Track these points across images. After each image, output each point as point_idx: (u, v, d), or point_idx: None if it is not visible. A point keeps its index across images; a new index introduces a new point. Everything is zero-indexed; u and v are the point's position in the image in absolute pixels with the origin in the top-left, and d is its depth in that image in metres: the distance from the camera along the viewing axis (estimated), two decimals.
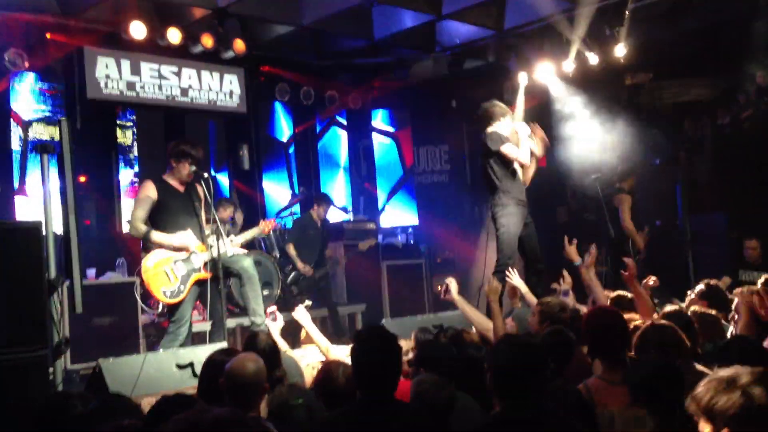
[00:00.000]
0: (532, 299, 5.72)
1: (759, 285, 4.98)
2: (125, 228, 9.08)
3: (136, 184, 9.69)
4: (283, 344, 5.29)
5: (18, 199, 8.63)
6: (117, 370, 4.93)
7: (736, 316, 4.75)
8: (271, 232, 8.56)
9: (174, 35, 8.55)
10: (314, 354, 5.28)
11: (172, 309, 5.98)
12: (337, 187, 12.21)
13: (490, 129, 6.65)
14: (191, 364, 5.10)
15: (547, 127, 7.79)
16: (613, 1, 8.69)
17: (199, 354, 4.93)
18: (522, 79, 9.70)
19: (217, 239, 5.95)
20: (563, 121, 9.91)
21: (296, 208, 10.47)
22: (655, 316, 4.76)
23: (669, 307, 4.58)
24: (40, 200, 5.15)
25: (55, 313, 4.92)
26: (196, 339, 6.53)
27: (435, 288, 7.90)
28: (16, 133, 8.87)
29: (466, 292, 7.01)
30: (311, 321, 5.48)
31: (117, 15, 8.35)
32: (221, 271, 5.95)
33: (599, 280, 5.93)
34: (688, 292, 5.72)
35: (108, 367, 4.91)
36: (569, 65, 9.47)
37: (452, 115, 11.74)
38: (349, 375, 3.51)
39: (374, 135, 12.51)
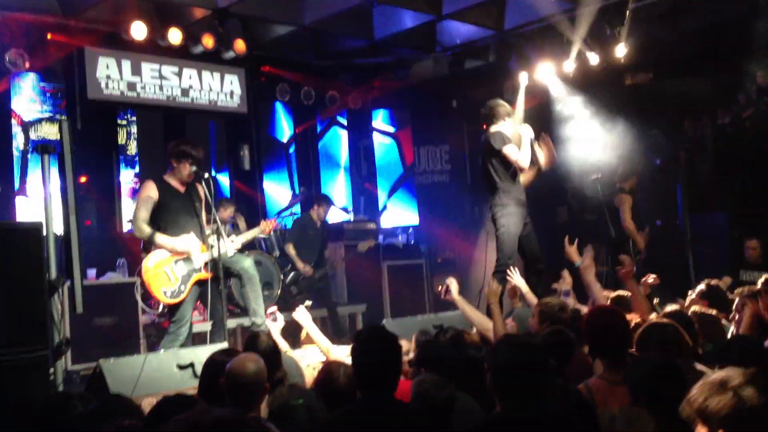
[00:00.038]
0: (533, 299, 5.73)
1: (759, 285, 4.98)
2: (126, 228, 9.10)
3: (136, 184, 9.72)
4: (283, 344, 5.30)
5: (19, 200, 8.64)
6: (117, 370, 4.93)
7: (737, 316, 4.75)
8: (272, 233, 8.56)
9: (175, 35, 8.56)
10: (315, 354, 5.28)
11: (173, 309, 5.98)
12: (338, 187, 12.21)
13: (494, 128, 6.64)
14: (192, 365, 5.10)
15: (547, 127, 7.79)
16: (614, 0, 8.69)
17: (200, 354, 4.93)
18: (522, 79, 9.69)
19: (218, 239, 5.95)
20: (563, 121, 9.90)
21: (297, 208, 10.48)
22: (655, 315, 4.76)
23: (670, 307, 4.58)
24: (41, 201, 5.15)
25: (56, 314, 4.92)
26: (196, 339, 6.53)
27: (435, 288, 7.89)
28: (19, 135, 8.88)
29: (467, 292, 7.00)
30: (312, 321, 5.48)
31: (117, 15, 8.35)
32: (222, 271, 5.95)
33: (599, 280, 5.92)
34: (689, 292, 5.73)
35: (108, 367, 4.91)
36: (570, 65, 9.46)
37: (453, 115, 11.74)
38: (349, 375, 3.51)
39: (375, 135, 12.51)
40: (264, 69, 10.45)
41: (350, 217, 11.17)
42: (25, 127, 8.99)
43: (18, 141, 8.89)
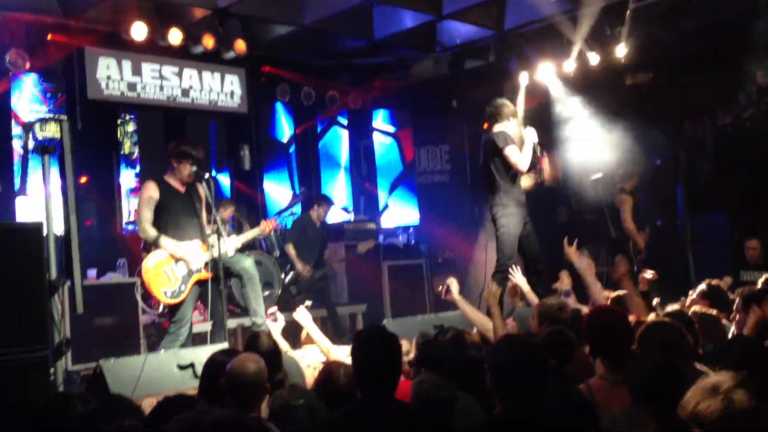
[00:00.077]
0: (534, 298, 5.73)
1: (759, 285, 4.98)
2: (126, 228, 9.11)
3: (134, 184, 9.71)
4: (284, 345, 5.29)
5: (19, 200, 8.64)
6: (118, 370, 4.94)
7: (737, 316, 4.74)
8: (272, 233, 8.56)
9: (175, 36, 8.56)
10: (315, 354, 5.28)
11: (173, 309, 5.98)
12: (338, 187, 12.22)
13: (497, 127, 6.62)
14: (192, 365, 5.10)
15: (547, 127, 7.78)
16: (615, 1, 8.69)
17: (200, 354, 4.93)
18: (522, 79, 9.69)
19: (218, 239, 5.95)
20: (564, 121, 9.90)
21: (297, 208, 10.48)
22: (653, 315, 4.75)
23: (670, 307, 4.58)
24: (41, 201, 5.15)
25: (56, 314, 4.92)
26: (196, 339, 6.54)
27: (436, 288, 7.88)
28: (20, 135, 8.88)
29: (467, 292, 7.00)
30: (312, 321, 5.48)
31: (117, 15, 8.35)
32: (222, 271, 5.95)
33: (599, 280, 5.92)
34: (689, 292, 5.72)
35: (109, 367, 4.91)
36: (570, 65, 9.46)
37: (453, 115, 11.74)
38: (350, 375, 3.51)
39: (375, 135, 12.52)
40: (264, 69, 10.46)
41: (350, 217, 11.18)
42: (26, 127, 8.99)
43: (19, 141, 8.88)
